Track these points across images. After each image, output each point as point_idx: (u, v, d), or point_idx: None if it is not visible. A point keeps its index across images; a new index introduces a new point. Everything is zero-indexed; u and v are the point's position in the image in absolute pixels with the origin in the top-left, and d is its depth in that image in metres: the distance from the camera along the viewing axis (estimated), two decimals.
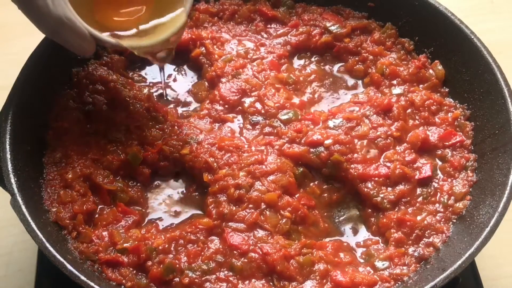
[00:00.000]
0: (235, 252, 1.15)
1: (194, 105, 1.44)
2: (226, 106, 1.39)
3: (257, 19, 1.55)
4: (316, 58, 1.53)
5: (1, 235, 1.39)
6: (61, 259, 1.06)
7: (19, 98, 1.23)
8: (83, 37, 1.13)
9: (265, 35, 1.53)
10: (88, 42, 1.14)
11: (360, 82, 1.50)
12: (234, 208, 1.21)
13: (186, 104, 1.44)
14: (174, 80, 1.48)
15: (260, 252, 1.15)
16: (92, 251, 1.15)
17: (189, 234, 1.18)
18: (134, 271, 1.15)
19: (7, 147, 1.18)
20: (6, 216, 1.22)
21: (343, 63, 1.52)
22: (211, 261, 1.14)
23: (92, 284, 1.04)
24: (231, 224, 1.19)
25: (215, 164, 1.26)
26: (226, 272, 1.15)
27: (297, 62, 1.53)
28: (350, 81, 1.50)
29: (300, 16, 1.55)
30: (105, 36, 1.17)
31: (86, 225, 1.19)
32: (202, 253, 1.16)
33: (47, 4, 1.07)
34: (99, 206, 1.24)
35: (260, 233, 1.19)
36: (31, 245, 1.30)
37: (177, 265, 1.14)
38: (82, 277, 1.05)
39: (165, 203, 1.29)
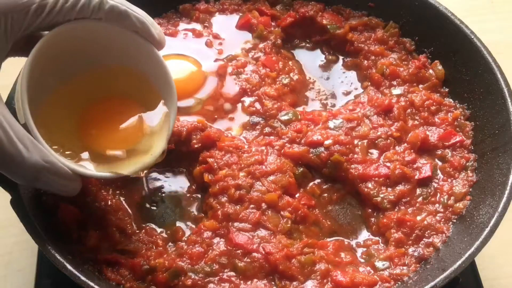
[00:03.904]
0: (238, 252, 1.15)
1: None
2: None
3: None
4: (316, 58, 1.53)
5: (1, 235, 1.39)
6: (61, 259, 1.06)
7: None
8: (67, 177, 0.99)
9: None
10: (74, 181, 1.01)
11: (360, 82, 1.50)
12: (238, 207, 1.20)
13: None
14: None
15: (263, 252, 1.15)
16: (92, 252, 1.15)
17: (192, 235, 1.19)
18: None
19: None
20: (6, 216, 1.22)
21: (344, 62, 1.53)
22: (214, 263, 1.14)
23: (92, 284, 1.04)
24: (236, 224, 1.19)
25: (215, 164, 1.26)
26: (229, 272, 1.14)
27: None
28: (350, 81, 1.50)
29: (297, 11, 1.55)
30: (91, 171, 1.05)
31: (86, 225, 1.19)
32: (206, 255, 1.15)
33: (20, 152, 0.92)
34: None
35: (263, 232, 1.19)
36: (31, 245, 1.29)
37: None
38: (82, 277, 1.04)
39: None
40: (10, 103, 1.15)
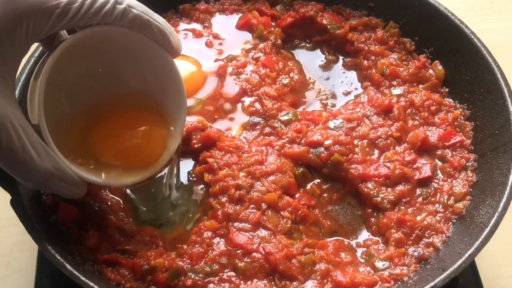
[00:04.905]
0: (238, 252, 1.15)
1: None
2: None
3: None
4: (316, 58, 1.53)
5: (1, 235, 1.39)
6: (61, 259, 1.06)
7: (19, 97, 1.23)
8: (74, 183, 1.01)
9: None
10: (80, 186, 1.03)
11: (360, 82, 1.50)
12: (238, 207, 1.20)
13: None
14: None
15: (263, 252, 1.15)
16: (92, 252, 1.15)
17: (192, 235, 1.18)
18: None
19: None
20: (6, 216, 1.22)
21: (344, 62, 1.53)
22: (214, 263, 1.14)
23: (92, 284, 1.04)
24: (236, 224, 1.19)
25: (215, 164, 1.26)
26: (229, 272, 1.14)
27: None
28: (350, 81, 1.50)
29: (297, 11, 1.55)
30: (99, 179, 1.07)
31: (86, 225, 1.19)
32: (206, 255, 1.15)
33: (32, 158, 0.93)
34: None
35: (263, 232, 1.19)
36: (31, 245, 1.29)
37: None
38: (82, 277, 1.04)
39: None
40: None
